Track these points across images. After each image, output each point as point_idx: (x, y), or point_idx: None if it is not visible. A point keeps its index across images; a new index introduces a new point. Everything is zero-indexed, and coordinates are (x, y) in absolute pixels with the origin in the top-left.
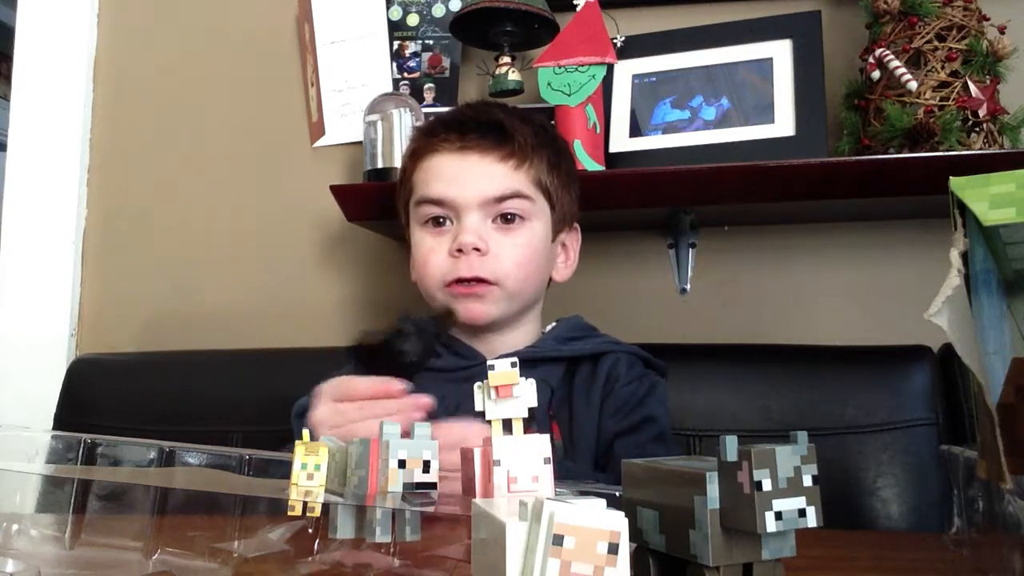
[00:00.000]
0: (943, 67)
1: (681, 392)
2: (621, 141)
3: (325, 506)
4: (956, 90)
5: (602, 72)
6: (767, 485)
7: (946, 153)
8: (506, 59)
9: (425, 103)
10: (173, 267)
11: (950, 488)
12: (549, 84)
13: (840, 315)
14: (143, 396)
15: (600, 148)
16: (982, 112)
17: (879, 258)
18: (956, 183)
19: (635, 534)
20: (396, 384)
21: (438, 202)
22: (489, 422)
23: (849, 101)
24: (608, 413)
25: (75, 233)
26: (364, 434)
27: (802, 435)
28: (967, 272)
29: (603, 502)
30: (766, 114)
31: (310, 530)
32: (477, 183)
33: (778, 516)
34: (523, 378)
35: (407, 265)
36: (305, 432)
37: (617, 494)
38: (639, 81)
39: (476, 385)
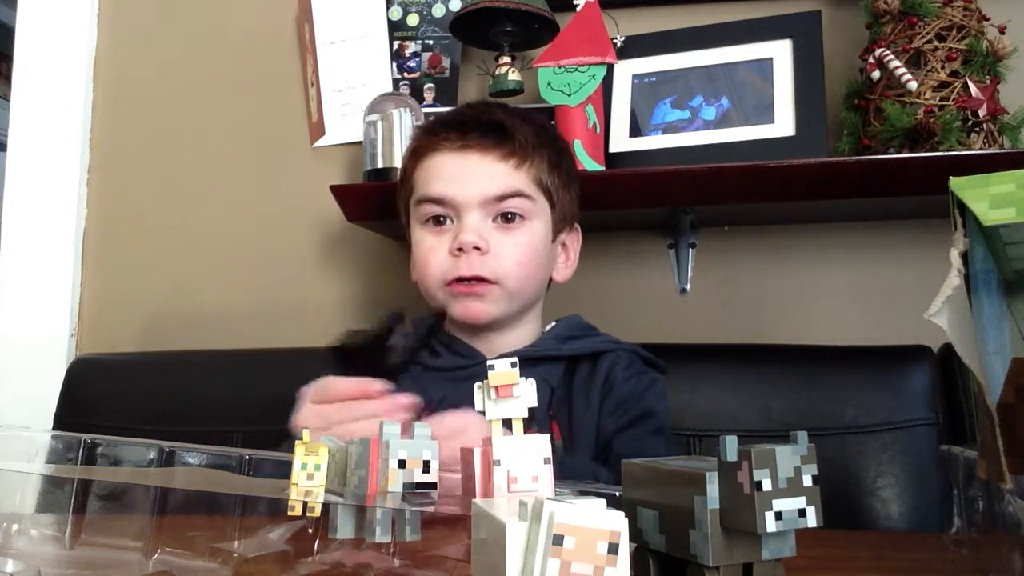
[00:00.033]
0: (943, 67)
1: (681, 392)
2: (621, 141)
3: (325, 506)
4: (956, 90)
5: (602, 72)
6: (767, 485)
7: (946, 153)
8: (506, 59)
9: (425, 103)
10: (173, 267)
11: (950, 488)
12: (549, 84)
13: (840, 315)
14: (143, 396)
15: (600, 148)
16: (982, 112)
17: (879, 258)
18: (956, 183)
19: (635, 534)
20: (376, 384)
21: (439, 201)
22: (489, 422)
23: (849, 101)
24: (607, 411)
25: (75, 233)
26: (345, 435)
27: (802, 435)
28: (967, 272)
29: (603, 502)
30: (766, 114)
31: (310, 530)
32: (478, 182)
33: (778, 516)
34: (523, 378)
35: (407, 265)
36: (305, 432)
37: (617, 494)
38: (639, 81)
39: (476, 385)
